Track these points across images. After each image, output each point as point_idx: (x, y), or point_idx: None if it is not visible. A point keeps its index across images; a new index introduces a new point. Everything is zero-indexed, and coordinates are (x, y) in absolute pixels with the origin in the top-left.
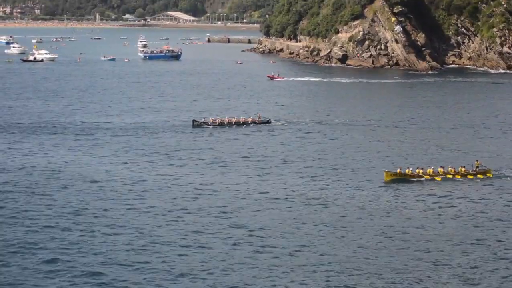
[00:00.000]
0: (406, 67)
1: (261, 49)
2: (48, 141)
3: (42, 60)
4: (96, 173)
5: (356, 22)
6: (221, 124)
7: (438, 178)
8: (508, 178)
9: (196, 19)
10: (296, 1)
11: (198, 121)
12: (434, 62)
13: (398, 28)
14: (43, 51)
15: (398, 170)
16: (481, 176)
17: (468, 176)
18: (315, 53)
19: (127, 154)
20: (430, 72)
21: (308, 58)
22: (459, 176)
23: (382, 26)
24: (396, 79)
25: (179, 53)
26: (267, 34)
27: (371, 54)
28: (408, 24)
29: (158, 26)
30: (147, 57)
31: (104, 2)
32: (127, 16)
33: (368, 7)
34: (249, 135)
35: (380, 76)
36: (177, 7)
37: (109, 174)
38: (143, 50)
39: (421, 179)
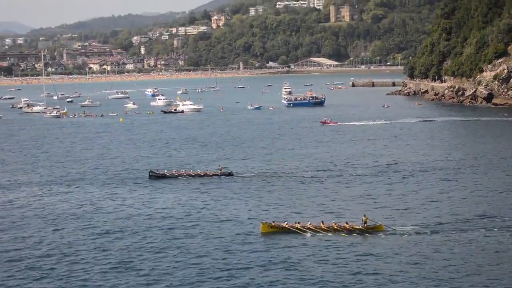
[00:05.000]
0: None
1: (405, 91)
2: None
3: (182, 111)
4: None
5: (500, 60)
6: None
7: (319, 231)
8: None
9: (340, 63)
10: (439, 42)
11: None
12: None
13: None
14: (188, 102)
15: (273, 223)
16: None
17: (355, 230)
18: (460, 93)
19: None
20: None
21: (454, 98)
22: (345, 231)
23: None
24: None
25: (323, 99)
26: (411, 76)
27: None
28: None
29: (302, 72)
30: (291, 104)
31: (247, 50)
32: (270, 63)
33: None
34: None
35: None
36: (320, 52)
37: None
38: (286, 98)
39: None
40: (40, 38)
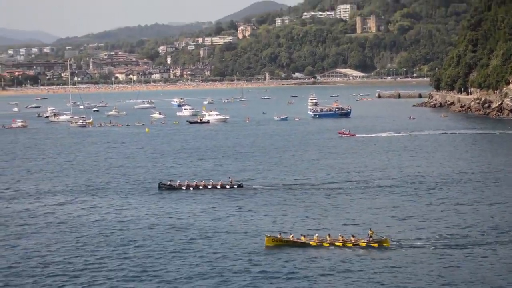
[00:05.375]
0: None
1: (432, 103)
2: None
3: (208, 122)
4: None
5: None
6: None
7: (325, 244)
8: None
9: (366, 75)
10: (465, 53)
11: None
12: None
13: None
14: (214, 112)
15: (279, 236)
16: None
17: (360, 244)
18: (486, 105)
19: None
20: None
21: (480, 110)
22: (350, 245)
23: None
24: None
25: (349, 110)
26: (437, 87)
27: None
28: None
29: (328, 83)
30: (317, 116)
31: (273, 61)
32: (296, 74)
33: None
34: None
35: None
36: (346, 63)
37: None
38: (312, 109)
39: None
40: (67, 48)
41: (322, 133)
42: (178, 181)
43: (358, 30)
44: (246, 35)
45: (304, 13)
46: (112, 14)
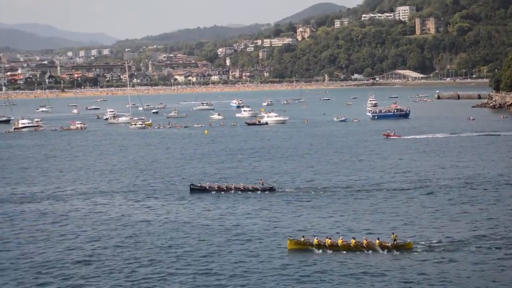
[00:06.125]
0: None
1: (491, 104)
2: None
3: (266, 123)
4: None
5: None
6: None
7: (348, 248)
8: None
9: (425, 76)
10: None
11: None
12: None
13: None
14: (273, 114)
15: (303, 239)
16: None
17: (384, 247)
18: None
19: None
20: None
21: None
22: (375, 248)
23: None
24: None
25: (408, 111)
26: (497, 88)
27: None
28: None
29: (387, 85)
30: (376, 117)
31: (332, 63)
32: (355, 76)
33: None
34: None
35: None
36: (405, 65)
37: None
38: (371, 110)
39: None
40: (126, 50)
41: (375, 135)
42: (208, 183)
43: (417, 32)
44: (305, 36)
45: (363, 15)
46: (171, 16)
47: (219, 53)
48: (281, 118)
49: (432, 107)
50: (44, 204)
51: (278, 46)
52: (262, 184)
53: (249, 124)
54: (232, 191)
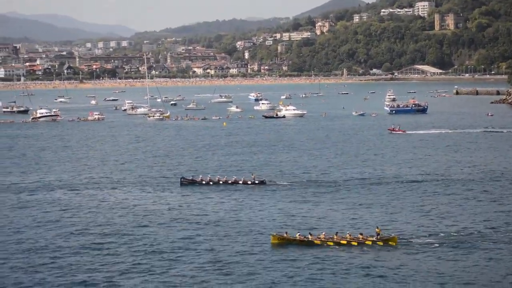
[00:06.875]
0: None
1: (510, 100)
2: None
3: (284, 116)
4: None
5: None
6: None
7: (331, 243)
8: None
9: (443, 71)
10: None
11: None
12: None
13: None
14: (291, 107)
15: (286, 234)
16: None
17: (367, 243)
18: None
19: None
20: None
21: None
22: (356, 243)
23: None
24: None
25: (425, 106)
26: None
27: None
28: None
29: (406, 80)
30: (394, 111)
31: (351, 57)
32: (374, 70)
33: None
34: None
35: None
36: (424, 60)
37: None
38: (389, 104)
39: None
40: (145, 42)
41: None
42: (200, 176)
43: (436, 27)
44: (324, 31)
45: (382, 10)
46: (190, 9)
47: (237, 46)
48: (299, 112)
49: (451, 103)
50: (57, 193)
51: (296, 40)
52: (254, 178)
53: (266, 117)
54: (224, 184)
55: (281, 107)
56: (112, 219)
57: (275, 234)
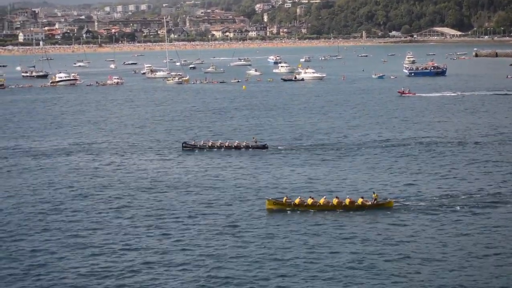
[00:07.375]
0: None
1: None
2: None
3: (303, 79)
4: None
5: None
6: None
7: (330, 207)
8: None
9: (463, 33)
10: None
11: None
12: None
13: None
14: (310, 70)
15: (285, 199)
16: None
17: (364, 206)
18: None
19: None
20: None
21: None
22: (354, 207)
23: None
24: None
25: (444, 69)
26: None
27: None
28: None
29: (425, 42)
30: (412, 74)
31: (370, 19)
32: (393, 33)
33: None
34: None
35: None
36: (443, 22)
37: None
38: (408, 67)
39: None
40: (163, 5)
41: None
42: (202, 140)
43: None
44: None
45: None
46: None
47: (256, 9)
48: (318, 75)
49: (470, 65)
50: (75, 157)
51: (316, 2)
52: (256, 142)
53: (285, 80)
54: (225, 149)
55: (300, 70)
56: (119, 183)
57: (270, 198)
